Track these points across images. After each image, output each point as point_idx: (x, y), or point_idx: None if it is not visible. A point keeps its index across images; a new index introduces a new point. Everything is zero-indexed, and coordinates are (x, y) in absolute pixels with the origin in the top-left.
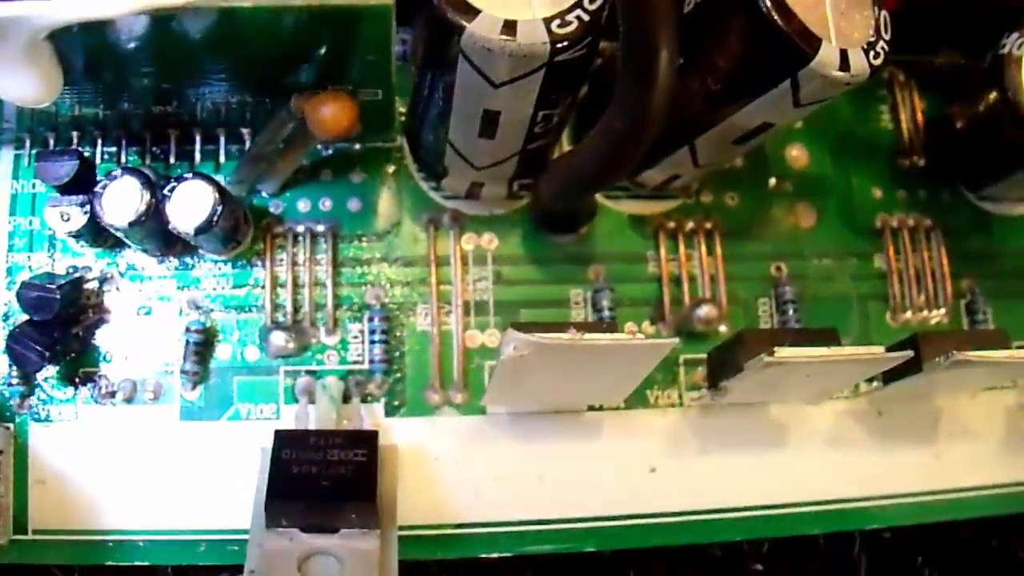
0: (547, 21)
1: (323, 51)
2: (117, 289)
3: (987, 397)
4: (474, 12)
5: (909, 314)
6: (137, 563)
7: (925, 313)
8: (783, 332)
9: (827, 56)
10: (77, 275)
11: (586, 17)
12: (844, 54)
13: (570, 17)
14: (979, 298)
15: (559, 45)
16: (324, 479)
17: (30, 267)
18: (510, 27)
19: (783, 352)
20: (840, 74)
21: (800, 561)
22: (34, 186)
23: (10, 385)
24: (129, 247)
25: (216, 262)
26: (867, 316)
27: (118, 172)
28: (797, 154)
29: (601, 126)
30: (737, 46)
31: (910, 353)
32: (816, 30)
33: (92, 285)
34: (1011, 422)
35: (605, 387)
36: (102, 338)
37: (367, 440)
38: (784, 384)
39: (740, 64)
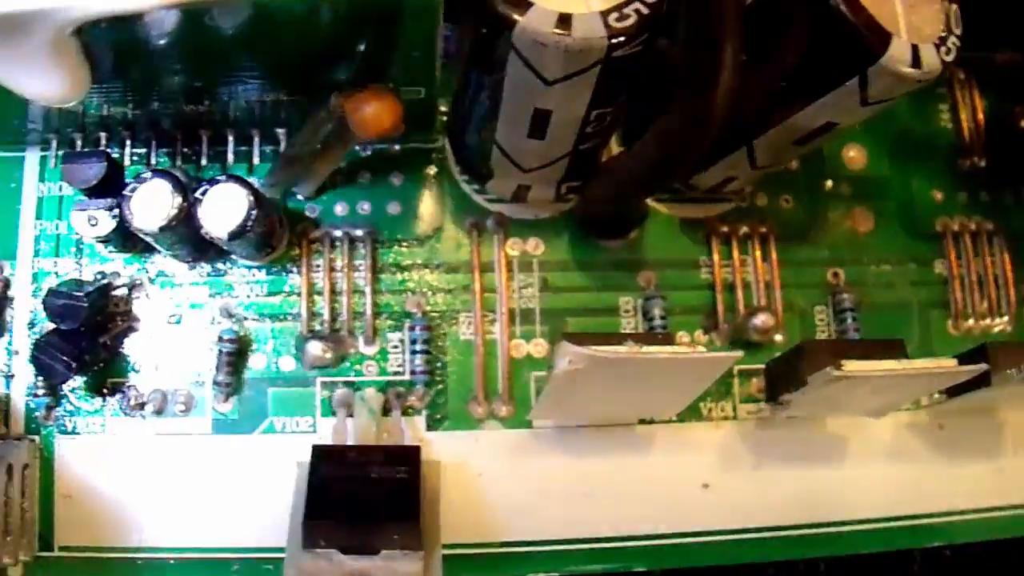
0: (604, 15)
1: (364, 47)
2: (147, 296)
3: None
4: (526, 5)
5: (971, 322)
6: None
7: (988, 321)
8: (847, 344)
9: (898, 52)
10: (105, 282)
11: (645, 11)
12: (915, 50)
13: (628, 10)
14: None
15: (616, 40)
16: (364, 497)
17: (56, 273)
18: (565, 21)
19: (851, 366)
20: (911, 71)
21: None
22: (60, 189)
23: (35, 396)
24: (159, 252)
25: (250, 268)
26: (928, 324)
27: (147, 174)
28: (854, 155)
29: (658, 126)
30: (803, 42)
31: (983, 367)
32: (886, 24)
33: (120, 292)
34: None
35: (659, 401)
36: (131, 347)
37: (409, 456)
38: (847, 398)
39: (805, 61)
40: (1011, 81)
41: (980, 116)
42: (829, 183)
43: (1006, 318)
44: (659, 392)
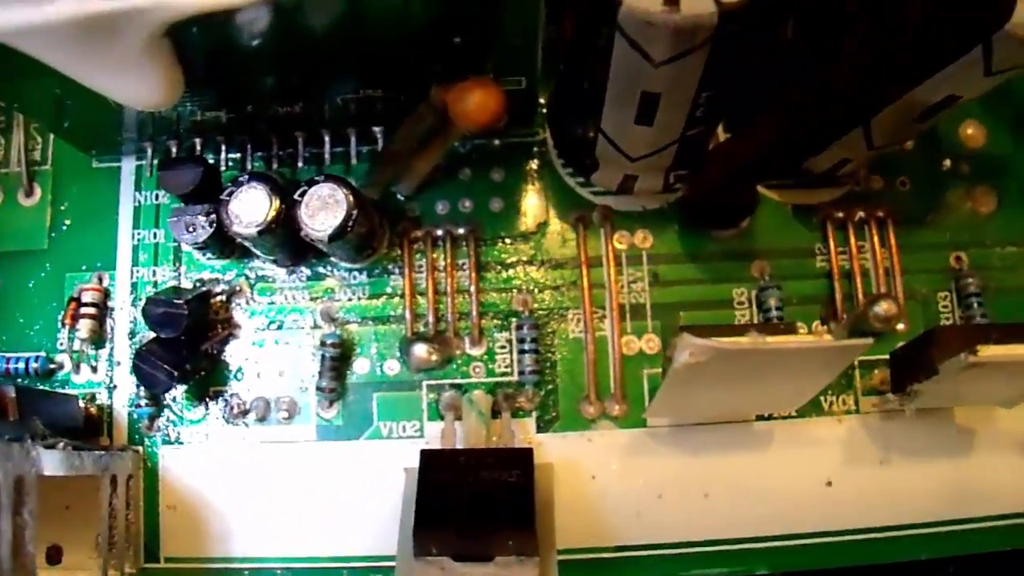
0: None
1: (462, 37)
2: (247, 302)
3: None
4: None
5: None
6: None
7: None
8: (981, 329)
9: None
10: (204, 289)
11: None
12: None
13: None
14: None
15: (727, 16)
16: (476, 502)
17: (155, 283)
18: None
19: (987, 351)
20: None
21: None
22: (157, 198)
23: (138, 407)
24: (257, 258)
25: (350, 271)
26: None
27: (244, 178)
28: (973, 133)
29: (775, 105)
30: (925, 8)
31: None
32: None
33: (220, 299)
34: None
35: (780, 395)
36: (232, 354)
37: (522, 459)
38: (980, 386)
39: (928, 29)
40: None
41: None
42: (947, 163)
43: None
44: (780, 385)
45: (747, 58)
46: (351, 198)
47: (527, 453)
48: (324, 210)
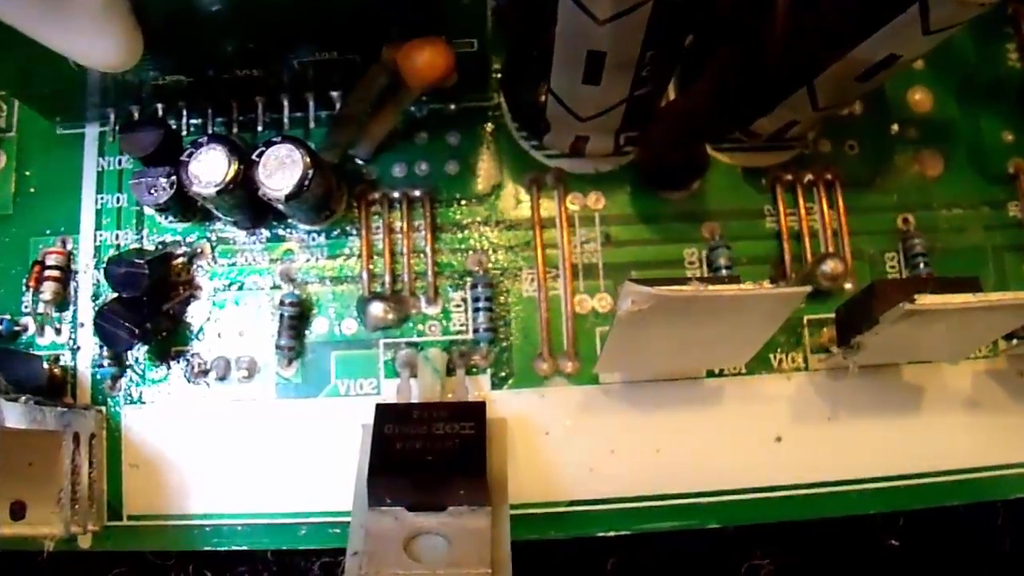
0: None
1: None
2: (208, 264)
3: None
4: None
5: None
6: (235, 548)
7: None
8: (920, 281)
9: None
10: (166, 250)
11: None
12: None
13: None
14: None
15: None
16: (430, 454)
17: (118, 246)
18: None
19: (925, 299)
20: None
21: (938, 535)
22: (120, 162)
23: (101, 367)
24: (219, 220)
25: (309, 232)
26: (1003, 268)
27: (203, 140)
28: (920, 98)
29: (715, 62)
30: None
31: None
32: None
33: (182, 260)
34: None
35: (727, 348)
36: (194, 315)
37: (475, 412)
38: (921, 339)
39: None
40: None
41: None
42: (895, 127)
43: None
44: (726, 338)
45: (689, 16)
46: (307, 159)
47: (480, 406)
48: (281, 170)
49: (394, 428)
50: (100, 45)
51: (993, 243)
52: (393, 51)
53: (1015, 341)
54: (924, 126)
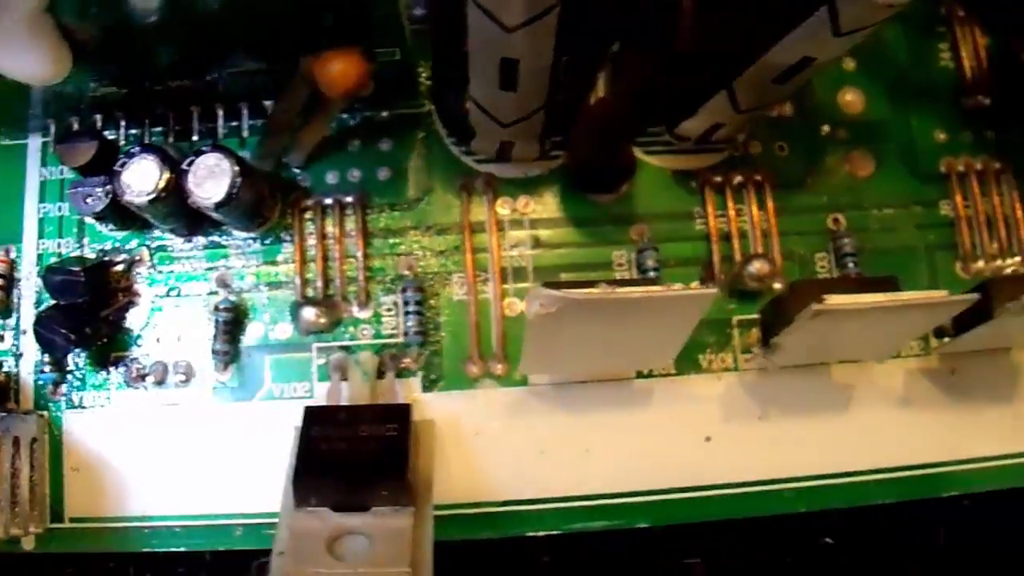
0: None
1: (333, 10)
2: (146, 271)
3: None
4: None
5: (981, 263)
6: (173, 549)
7: (999, 262)
8: (838, 281)
9: None
10: (105, 258)
11: None
12: None
13: None
14: None
15: None
16: (353, 456)
17: (60, 254)
18: None
19: (834, 299)
20: None
21: (873, 533)
22: (62, 172)
23: (43, 372)
24: (157, 228)
25: (245, 239)
26: (935, 267)
27: (136, 150)
28: (851, 99)
29: (628, 65)
30: None
31: (975, 296)
32: None
33: (120, 268)
34: None
35: (649, 350)
36: (133, 321)
37: (399, 414)
38: (839, 338)
39: None
40: (1011, 15)
41: (982, 53)
42: (826, 128)
43: (1018, 258)
44: (646, 339)
45: (598, 21)
46: (236, 167)
47: (405, 409)
48: (211, 179)
49: (320, 430)
50: (26, 60)
51: (925, 242)
52: (311, 62)
53: (947, 339)
54: (855, 127)
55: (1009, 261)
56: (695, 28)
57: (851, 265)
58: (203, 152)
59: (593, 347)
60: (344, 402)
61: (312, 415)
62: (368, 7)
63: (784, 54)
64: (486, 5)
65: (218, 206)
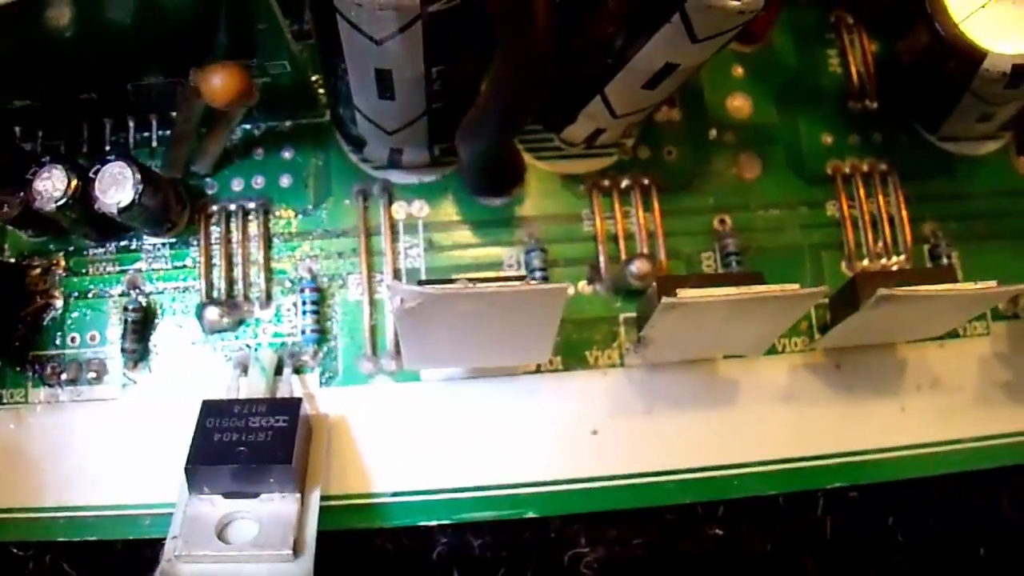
0: None
1: (218, 24)
2: (62, 274)
3: (957, 346)
4: None
5: (866, 262)
6: (87, 538)
7: (884, 260)
8: (705, 277)
9: None
10: (23, 262)
11: None
12: None
13: None
14: (942, 242)
15: None
16: (244, 445)
17: None
18: None
19: (685, 293)
20: (730, 3)
21: (760, 524)
22: None
23: None
24: (72, 234)
25: (155, 244)
26: (820, 266)
27: (46, 159)
28: (740, 104)
29: (491, 72)
30: None
31: (824, 288)
32: None
33: (38, 271)
34: (984, 372)
35: (521, 345)
36: (48, 322)
37: (290, 407)
38: (703, 332)
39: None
40: (894, 20)
41: (870, 58)
42: (713, 132)
43: (903, 256)
44: (516, 335)
45: (470, 33)
46: (138, 175)
47: (296, 402)
48: (115, 186)
49: (215, 422)
50: None
51: (810, 241)
52: (197, 75)
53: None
54: (743, 131)
55: (894, 260)
56: (551, 36)
57: (734, 264)
58: (108, 161)
59: (467, 342)
60: (242, 396)
61: (208, 408)
62: (252, 24)
63: (648, 60)
64: (354, 20)
65: (121, 211)
